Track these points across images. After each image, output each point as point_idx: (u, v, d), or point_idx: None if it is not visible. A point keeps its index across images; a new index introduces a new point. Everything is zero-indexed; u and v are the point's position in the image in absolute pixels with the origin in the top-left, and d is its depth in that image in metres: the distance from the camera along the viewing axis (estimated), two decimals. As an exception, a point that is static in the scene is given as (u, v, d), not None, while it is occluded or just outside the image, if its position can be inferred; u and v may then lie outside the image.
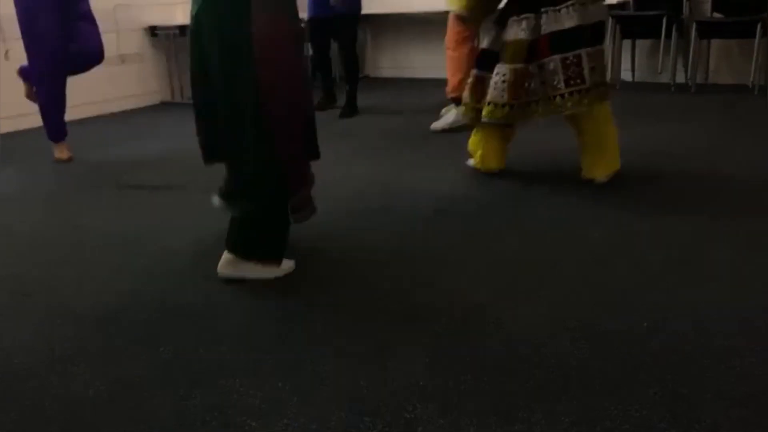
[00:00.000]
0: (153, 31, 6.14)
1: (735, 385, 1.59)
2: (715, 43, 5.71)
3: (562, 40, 2.94)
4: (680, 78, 5.68)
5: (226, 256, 2.26)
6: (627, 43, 5.92)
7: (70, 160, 4.15)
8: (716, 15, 5.55)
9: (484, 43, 3.23)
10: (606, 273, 2.23)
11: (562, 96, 2.98)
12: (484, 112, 3.15)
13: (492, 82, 3.10)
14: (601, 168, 3.13)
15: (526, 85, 3.04)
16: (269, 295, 2.19)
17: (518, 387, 1.62)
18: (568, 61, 2.94)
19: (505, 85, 3.04)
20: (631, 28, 5.74)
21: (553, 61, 2.96)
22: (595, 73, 2.97)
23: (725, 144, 3.84)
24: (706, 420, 1.47)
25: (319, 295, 2.17)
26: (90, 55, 4.08)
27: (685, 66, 5.68)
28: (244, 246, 2.24)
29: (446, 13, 4.52)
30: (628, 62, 5.99)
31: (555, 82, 2.98)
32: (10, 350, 1.92)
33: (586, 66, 2.94)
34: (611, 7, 5.78)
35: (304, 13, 5.52)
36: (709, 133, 4.10)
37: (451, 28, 4.38)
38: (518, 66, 3.02)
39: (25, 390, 1.72)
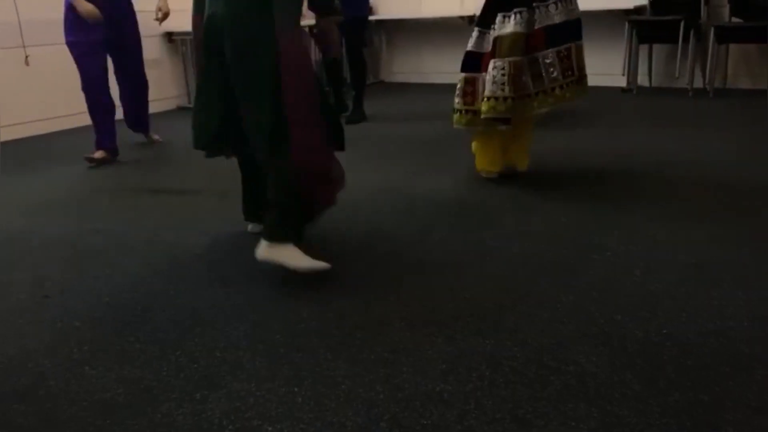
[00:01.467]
0: (170, 37, 6.21)
1: (756, 393, 1.57)
2: (734, 47, 5.65)
3: (556, 34, 3.08)
4: (698, 83, 5.63)
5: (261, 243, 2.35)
6: (644, 48, 5.88)
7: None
8: (735, 19, 5.50)
9: (469, 46, 3.27)
10: (624, 279, 2.21)
11: (561, 87, 3.12)
12: (484, 108, 3.18)
13: (489, 77, 3.14)
14: (526, 159, 3.40)
15: (524, 78, 3.13)
16: (284, 299, 2.19)
17: (536, 393, 1.61)
18: (561, 54, 3.10)
19: (506, 78, 3.10)
20: (648, 32, 5.70)
21: (551, 54, 3.09)
22: (581, 66, 3.16)
23: (743, 149, 3.80)
24: (727, 428, 1.45)
25: (333, 299, 2.17)
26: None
27: (703, 71, 5.63)
28: (269, 228, 2.31)
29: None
30: (646, 67, 5.95)
31: (554, 74, 3.10)
32: (28, 352, 1.93)
33: (574, 58, 3.12)
34: (627, 12, 5.76)
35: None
36: (727, 138, 4.06)
37: None
38: (516, 59, 3.09)
39: (43, 392, 1.73)
